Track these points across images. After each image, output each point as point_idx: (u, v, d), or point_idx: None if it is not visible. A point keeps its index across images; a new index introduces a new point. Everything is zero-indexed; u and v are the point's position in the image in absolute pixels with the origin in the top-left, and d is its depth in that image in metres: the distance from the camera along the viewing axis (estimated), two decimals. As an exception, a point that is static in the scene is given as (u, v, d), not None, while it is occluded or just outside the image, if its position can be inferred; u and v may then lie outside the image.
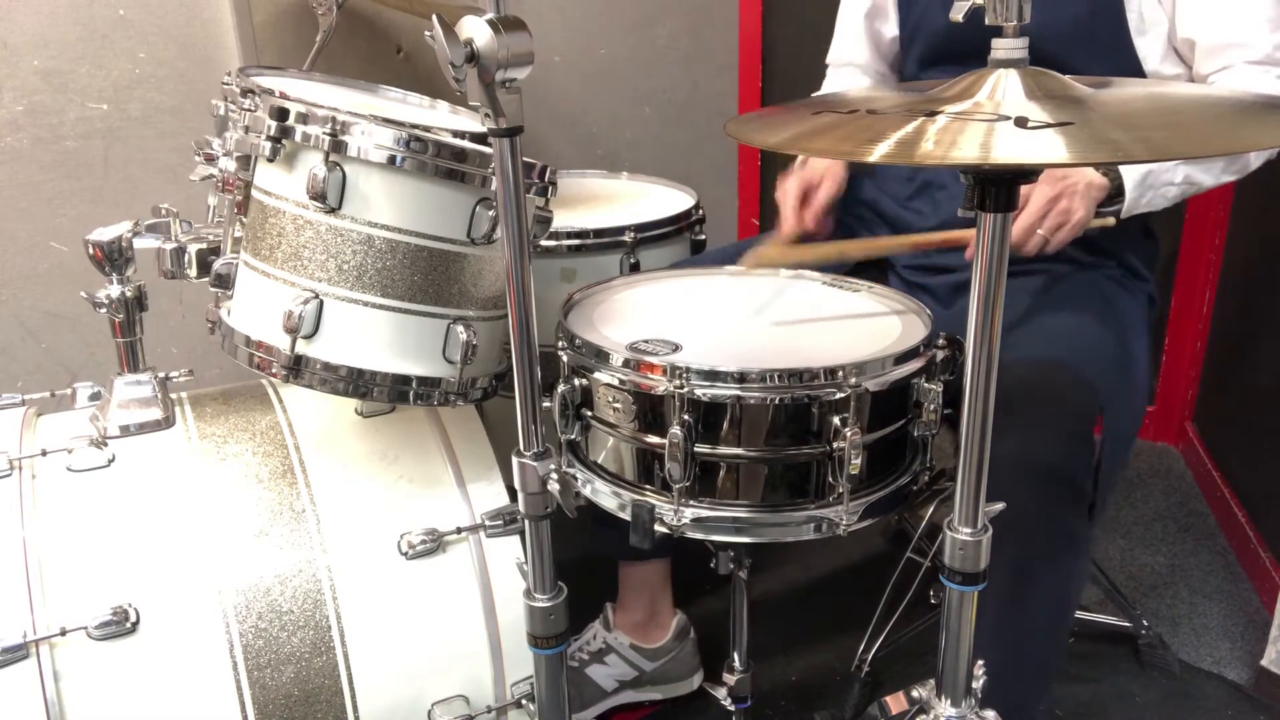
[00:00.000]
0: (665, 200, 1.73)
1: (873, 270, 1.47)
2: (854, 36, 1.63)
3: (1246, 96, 0.91)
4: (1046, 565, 1.19)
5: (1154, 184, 1.28)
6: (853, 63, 1.65)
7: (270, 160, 1.10)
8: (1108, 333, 1.30)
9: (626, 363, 0.99)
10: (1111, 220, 1.29)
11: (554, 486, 0.98)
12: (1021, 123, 0.74)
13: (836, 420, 0.94)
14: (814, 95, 1.62)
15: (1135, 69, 1.34)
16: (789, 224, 1.39)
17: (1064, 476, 1.16)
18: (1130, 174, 1.27)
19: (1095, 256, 1.38)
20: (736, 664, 1.22)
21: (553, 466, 0.98)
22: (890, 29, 1.59)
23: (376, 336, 1.13)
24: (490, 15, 0.81)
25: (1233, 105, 0.88)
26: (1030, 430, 1.12)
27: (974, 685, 0.97)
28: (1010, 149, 0.72)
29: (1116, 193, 1.27)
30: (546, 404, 1.00)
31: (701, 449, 0.96)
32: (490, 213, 1.12)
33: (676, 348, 1.01)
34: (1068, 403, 1.16)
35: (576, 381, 1.03)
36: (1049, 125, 0.73)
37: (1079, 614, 1.75)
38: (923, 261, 1.44)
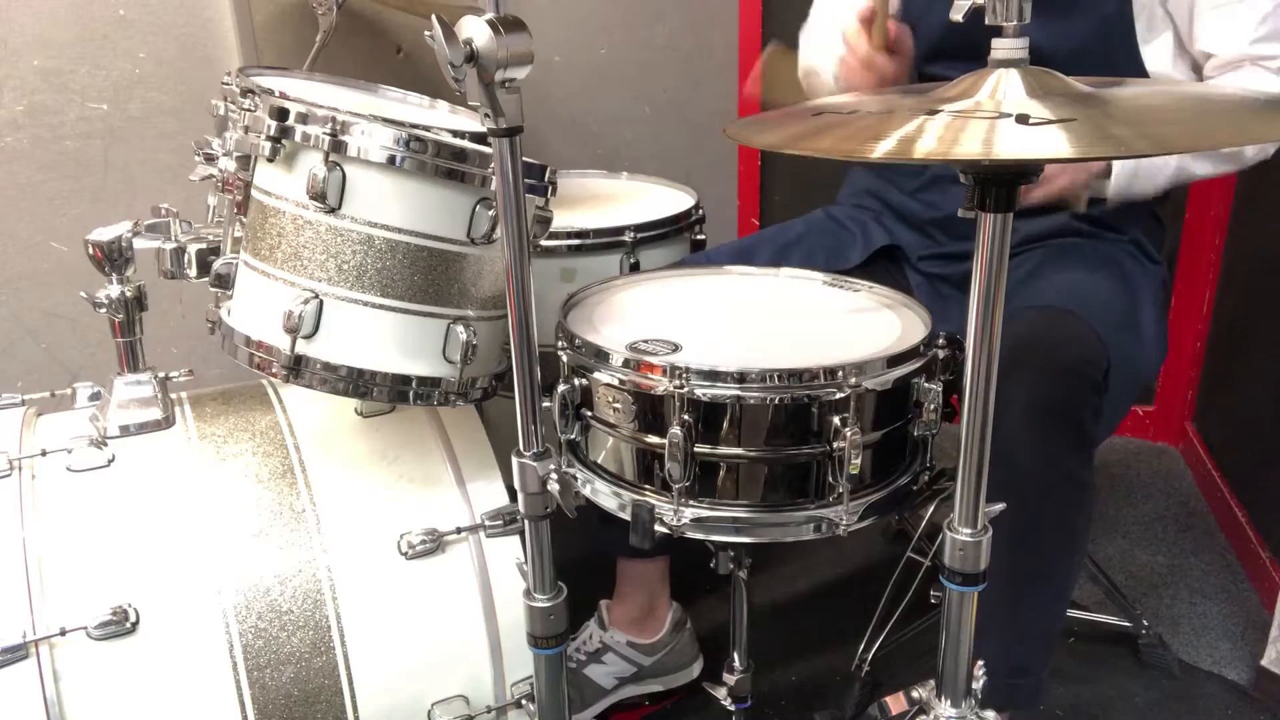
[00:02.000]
0: (665, 200, 1.73)
1: (885, 260, 1.47)
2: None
3: (1249, 93, 0.91)
4: (1049, 507, 1.19)
5: (1148, 167, 1.29)
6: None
7: (270, 160, 1.10)
8: (1118, 291, 1.31)
9: (626, 363, 0.98)
10: (1082, 207, 1.30)
11: (554, 486, 0.98)
12: (1023, 119, 0.74)
13: (836, 420, 0.94)
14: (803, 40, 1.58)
15: (1142, 76, 1.34)
16: (861, 47, 1.33)
17: (1070, 419, 1.16)
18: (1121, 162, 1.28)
19: (1108, 231, 1.39)
20: (736, 664, 1.22)
21: (553, 466, 0.98)
22: None
23: (376, 336, 1.13)
24: (490, 15, 0.81)
25: (1235, 101, 0.88)
26: (1040, 372, 1.13)
27: (974, 685, 0.97)
28: (1012, 145, 0.72)
29: (1107, 174, 1.29)
30: (546, 404, 1.00)
31: (701, 449, 0.96)
32: (490, 213, 1.12)
33: (676, 348, 1.01)
34: (1077, 348, 1.17)
35: (576, 381, 1.03)
36: (1051, 121, 0.73)
37: (1079, 614, 1.75)
38: (937, 250, 1.45)
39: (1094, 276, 1.32)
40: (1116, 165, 1.28)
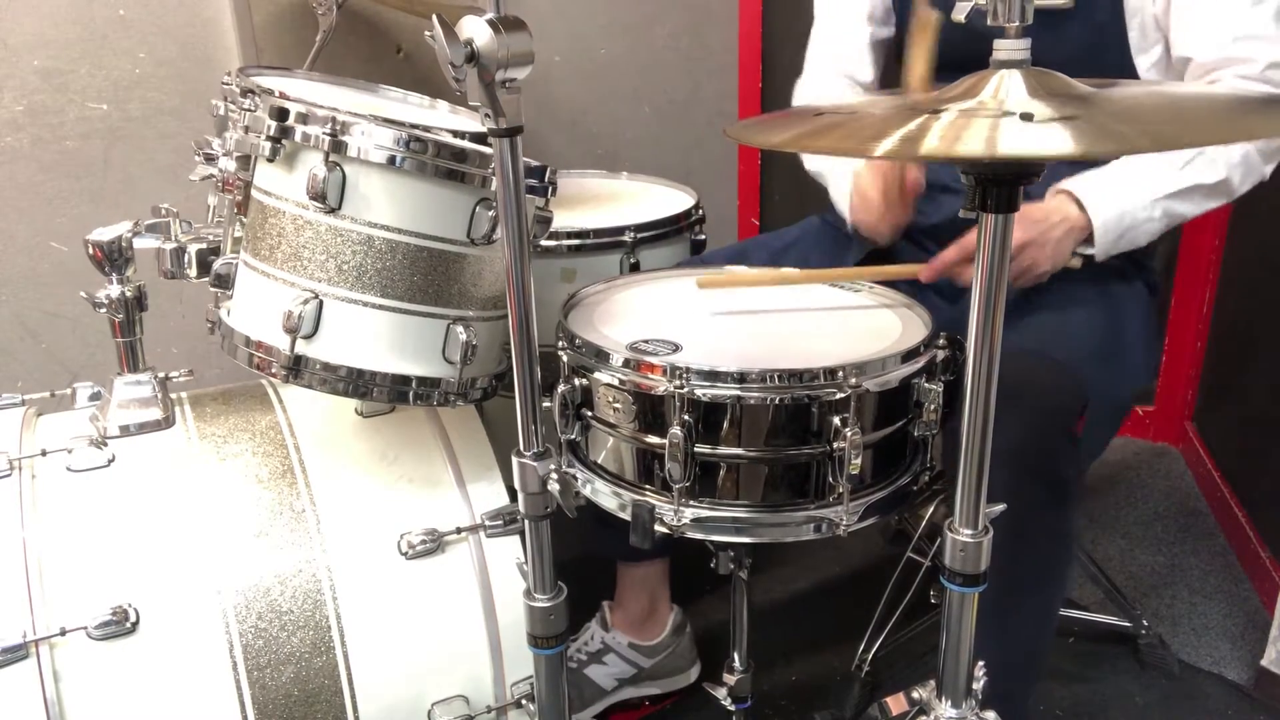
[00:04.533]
0: (665, 200, 1.73)
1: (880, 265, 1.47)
2: (854, 46, 1.54)
3: (1248, 93, 0.91)
4: (1031, 560, 1.19)
5: (1131, 224, 1.27)
6: (853, 77, 1.56)
7: (270, 160, 1.10)
8: (1099, 319, 1.30)
9: (626, 363, 0.98)
10: (1078, 263, 1.28)
11: (554, 486, 0.98)
12: (1027, 117, 0.74)
13: (836, 420, 0.94)
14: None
15: None
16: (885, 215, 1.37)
17: (1048, 472, 1.16)
18: (1103, 215, 1.26)
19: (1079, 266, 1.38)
20: (736, 664, 1.22)
21: (553, 466, 0.98)
22: (885, 32, 1.54)
23: (376, 337, 1.13)
24: (490, 15, 0.81)
25: (1235, 100, 0.89)
26: (1014, 426, 1.12)
27: (974, 686, 0.97)
28: (1016, 142, 0.72)
29: (1088, 240, 1.27)
30: (546, 404, 1.00)
31: (701, 449, 0.96)
32: (490, 213, 1.12)
33: (676, 348, 1.01)
34: (1053, 398, 1.16)
35: (576, 381, 1.03)
36: (1054, 119, 0.73)
37: (1079, 614, 1.75)
38: (929, 258, 1.44)
39: (1076, 307, 1.30)
40: (1098, 227, 1.26)
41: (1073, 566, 1.31)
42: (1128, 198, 1.26)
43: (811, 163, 1.57)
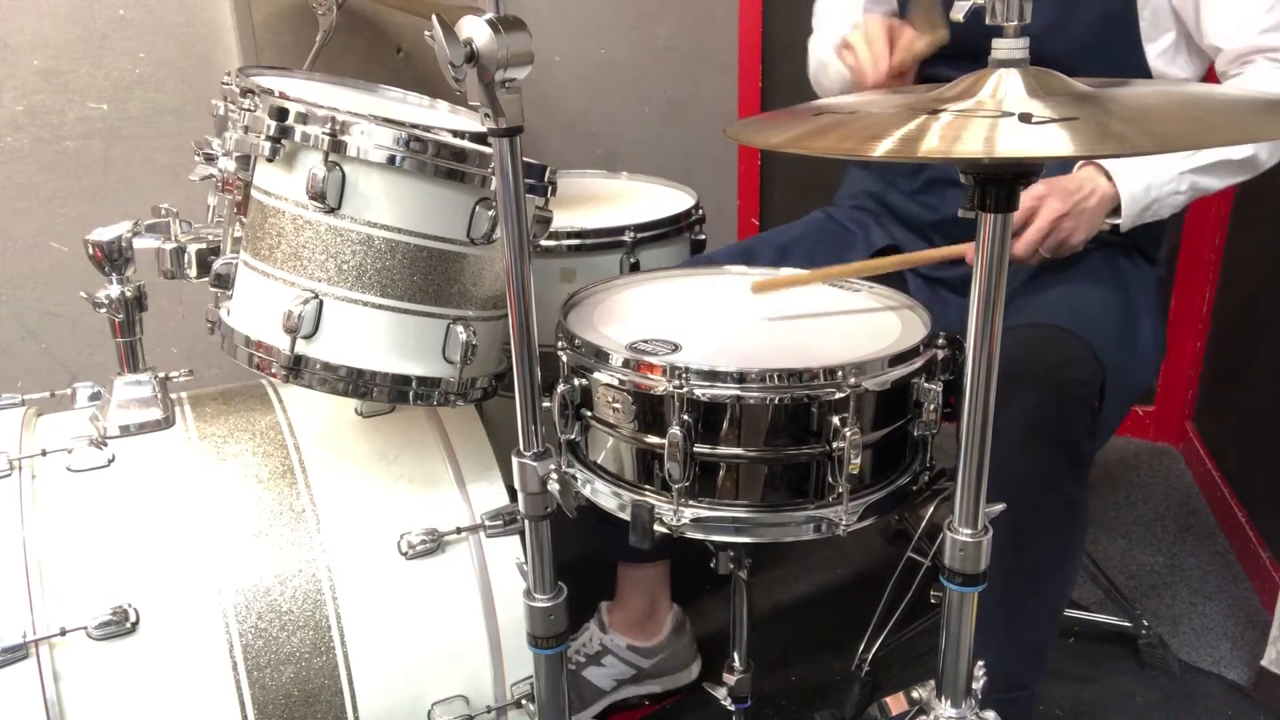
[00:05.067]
0: (665, 200, 1.73)
1: None
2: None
3: (1254, 93, 0.91)
4: (1042, 527, 1.19)
5: (1158, 196, 1.28)
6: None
7: (270, 160, 1.10)
8: (1114, 301, 1.31)
9: (626, 363, 0.98)
10: (1107, 227, 1.29)
11: (554, 486, 0.98)
12: (1026, 118, 0.74)
13: (836, 420, 0.94)
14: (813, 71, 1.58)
15: (1144, 74, 1.34)
16: (877, 68, 1.29)
17: (1065, 441, 1.17)
18: (1129, 187, 1.27)
19: (1107, 233, 1.39)
20: (736, 664, 1.22)
21: (553, 466, 0.98)
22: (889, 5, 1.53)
23: (376, 336, 1.13)
24: (490, 15, 0.81)
25: (1239, 100, 0.88)
26: (1034, 393, 1.13)
27: (974, 686, 0.97)
28: (1015, 143, 0.72)
29: (1115, 211, 1.28)
30: (546, 404, 1.00)
31: (701, 449, 0.96)
32: (490, 213, 1.12)
33: (676, 348, 1.01)
34: (1072, 368, 1.17)
35: (576, 381, 1.03)
36: (1053, 120, 0.73)
37: (1079, 614, 1.75)
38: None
39: (1092, 288, 1.31)
40: (1125, 200, 1.27)
41: (1082, 550, 1.31)
42: (1154, 170, 1.27)
43: (814, 57, 1.59)
